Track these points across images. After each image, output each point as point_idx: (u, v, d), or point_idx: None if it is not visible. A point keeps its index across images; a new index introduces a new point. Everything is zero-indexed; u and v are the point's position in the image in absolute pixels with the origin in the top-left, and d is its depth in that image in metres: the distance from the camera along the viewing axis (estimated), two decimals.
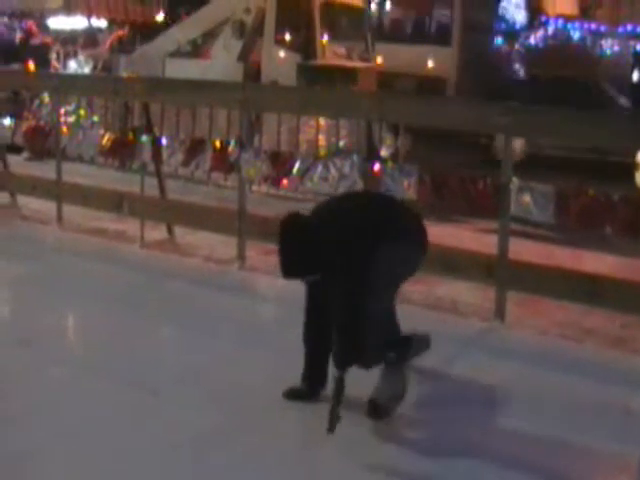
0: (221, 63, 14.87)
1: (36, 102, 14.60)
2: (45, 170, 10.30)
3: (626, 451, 4.82)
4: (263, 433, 4.92)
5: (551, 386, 5.66)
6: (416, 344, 5.48)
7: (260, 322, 6.99)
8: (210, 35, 17.05)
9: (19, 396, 5.37)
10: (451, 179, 7.39)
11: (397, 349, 5.17)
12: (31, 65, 17.26)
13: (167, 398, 5.32)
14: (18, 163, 11.64)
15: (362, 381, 5.00)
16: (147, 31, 22.44)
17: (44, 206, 9.91)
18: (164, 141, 9.17)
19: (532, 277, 6.89)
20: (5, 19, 23.57)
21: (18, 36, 22.47)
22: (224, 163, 8.73)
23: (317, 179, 8.09)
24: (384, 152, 10.62)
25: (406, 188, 7.33)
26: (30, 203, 10.21)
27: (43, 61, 19.75)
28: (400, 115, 7.97)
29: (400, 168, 7.57)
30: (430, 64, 16.04)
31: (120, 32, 24.22)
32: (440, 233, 8.42)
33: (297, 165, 8.22)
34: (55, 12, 24.26)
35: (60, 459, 4.59)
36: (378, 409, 5.04)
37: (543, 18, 24.64)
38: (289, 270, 5.01)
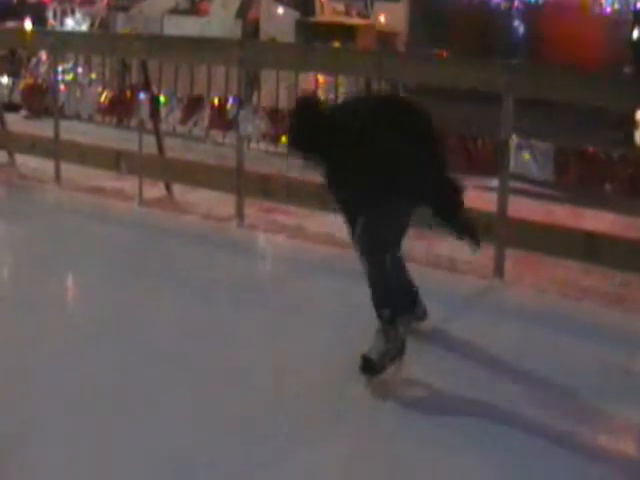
0: (219, 20, 14.73)
1: (33, 60, 14.52)
2: (43, 128, 10.26)
3: (627, 412, 4.83)
4: (257, 392, 4.93)
5: (550, 345, 5.66)
6: (412, 306, 5.52)
7: (258, 280, 6.98)
8: None
9: (18, 361, 5.32)
10: (450, 137, 7.35)
11: (393, 306, 5.16)
12: (28, 23, 17.14)
13: (166, 359, 5.32)
14: (16, 121, 11.59)
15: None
16: None
17: (42, 165, 9.88)
18: (162, 99, 9.13)
19: (531, 235, 6.88)
20: None
21: None
22: (222, 121, 8.69)
23: None
24: None
25: None
26: (28, 162, 10.17)
27: (40, 19, 19.61)
28: (399, 74, 7.95)
29: None
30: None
31: None
32: None
33: None
34: None
35: (63, 427, 4.55)
36: (371, 364, 5.02)
37: None
38: (294, 141, 5.08)
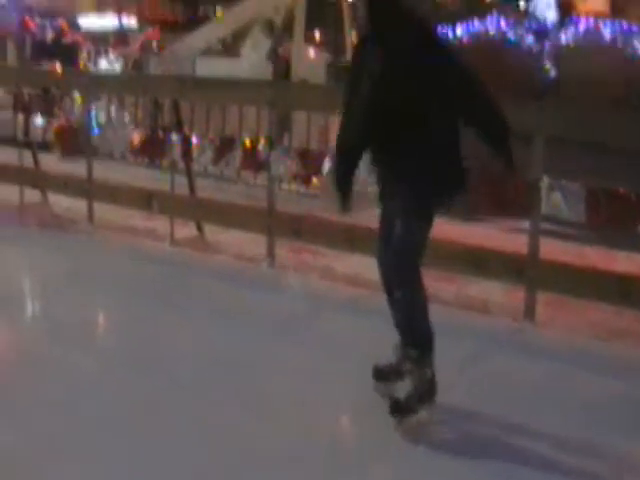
0: (251, 61, 14.88)
1: (67, 100, 14.68)
2: (76, 168, 10.34)
3: None
4: (284, 429, 4.93)
5: (581, 387, 5.62)
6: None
7: (287, 317, 6.97)
8: (240, 34, 17.08)
9: (52, 386, 5.40)
10: (480, 178, 7.35)
11: (421, 345, 5.13)
12: (60, 64, 17.36)
13: (195, 392, 5.33)
14: (49, 161, 11.70)
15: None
16: (177, 30, 22.50)
17: (75, 204, 9.95)
18: (194, 139, 9.20)
19: (562, 277, 6.84)
20: (37, 18, 23.72)
21: (50, 35, 22.61)
22: (254, 161, 8.75)
23: None
24: None
25: None
26: (61, 201, 10.25)
27: (74, 60, 19.86)
28: None
29: None
30: None
31: (150, 31, 24.31)
32: (469, 232, 8.42)
33: (326, 163, 8.22)
34: (86, 11, 24.41)
35: (84, 447, 4.62)
36: (399, 406, 4.98)
37: (573, 16, 24.50)
38: None
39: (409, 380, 5.07)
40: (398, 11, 4.91)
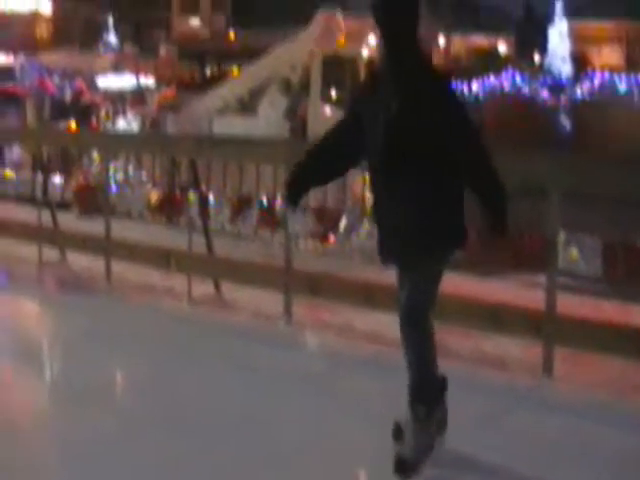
0: (267, 120, 15.00)
1: (85, 159, 14.82)
2: (94, 226, 10.42)
3: None
4: None
5: (600, 443, 5.58)
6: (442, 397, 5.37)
7: (305, 375, 6.96)
8: (257, 92, 17.24)
9: (72, 446, 5.43)
10: None
11: (429, 402, 5.12)
12: (75, 123, 17.55)
13: (215, 450, 5.33)
14: (67, 219, 11.78)
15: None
16: (194, 89, 22.73)
17: (93, 262, 10.01)
18: (211, 198, 9.26)
19: (580, 332, 6.82)
20: (56, 78, 23.99)
21: (69, 95, 22.87)
22: (271, 219, 8.79)
23: (364, 236, 8.11)
24: None
25: None
26: (80, 259, 10.31)
27: (92, 119, 20.06)
28: None
29: None
30: None
31: (167, 90, 24.57)
32: (486, 288, 8.42)
33: (344, 222, 8.24)
34: (104, 71, 24.69)
35: None
36: (405, 465, 4.94)
37: (589, 71, 24.65)
38: None
39: (415, 436, 5.05)
40: (419, 54, 4.95)
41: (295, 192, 5.25)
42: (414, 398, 5.06)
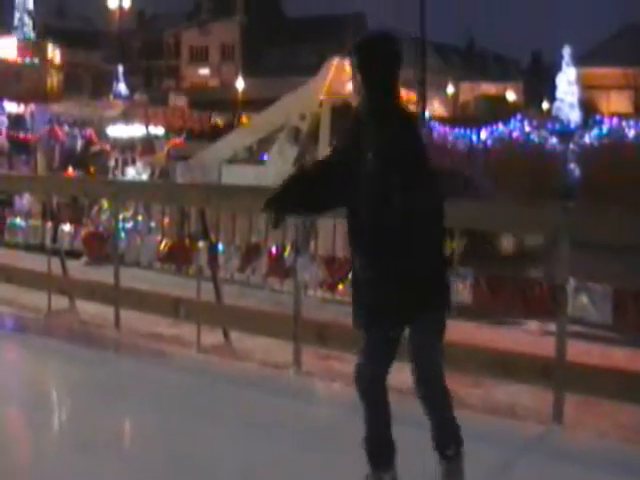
0: (277, 168, 15.05)
1: (95, 208, 14.87)
2: (103, 275, 10.43)
3: None
4: None
5: None
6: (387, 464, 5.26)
7: (317, 426, 6.93)
8: (266, 141, 17.31)
9: None
10: (506, 281, 7.37)
11: (455, 439, 5.12)
12: (88, 173, 17.63)
13: None
14: (77, 268, 11.80)
15: None
16: (203, 138, 22.85)
17: (102, 310, 10.02)
18: (220, 247, 9.27)
19: (591, 379, 6.80)
20: (66, 127, 24.15)
21: (79, 143, 23.01)
22: (280, 268, 8.78)
23: None
24: None
25: (461, 291, 7.31)
26: (89, 307, 10.32)
27: (102, 168, 20.17)
28: (454, 219, 7.96)
29: (455, 271, 7.56)
30: None
31: (177, 139, 24.70)
32: (496, 336, 8.40)
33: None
34: (114, 120, 24.84)
35: None
36: None
37: (597, 117, 24.71)
38: None
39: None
40: (397, 101, 4.98)
41: (279, 207, 5.14)
42: (447, 440, 5.13)
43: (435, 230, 4.94)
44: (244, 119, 32.29)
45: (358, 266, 4.98)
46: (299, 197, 5.13)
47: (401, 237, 4.74)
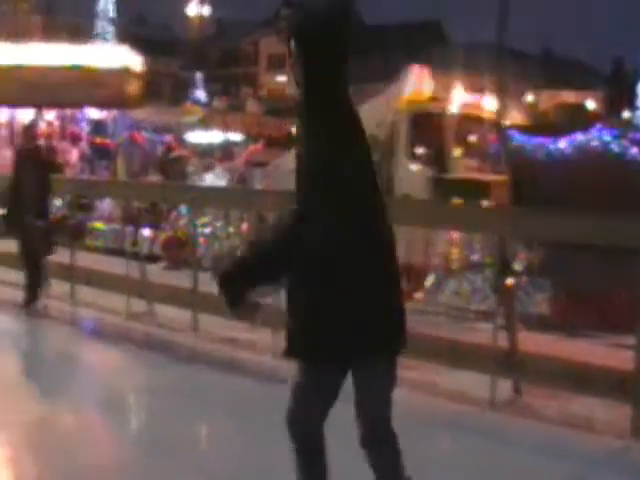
0: None
1: (174, 213, 15.01)
2: (181, 279, 10.54)
3: None
4: None
5: None
6: None
7: None
8: None
9: None
10: (585, 294, 7.30)
11: None
12: (167, 178, 17.80)
13: None
14: (155, 272, 11.94)
15: None
16: (281, 145, 22.92)
17: (180, 314, 10.12)
18: None
19: None
20: (147, 133, 24.42)
21: (159, 149, 23.27)
22: None
23: (449, 293, 8.07)
24: (517, 266, 10.55)
25: (539, 303, 7.26)
26: (167, 311, 10.43)
27: (180, 173, 20.32)
28: (534, 229, 7.92)
29: (533, 282, 7.51)
30: None
31: (255, 146, 24.83)
32: (573, 348, 8.31)
33: (431, 279, 8.21)
34: (193, 127, 25.06)
35: None
36: None
37: None
38: None
39: None
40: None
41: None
42: None
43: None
44: None
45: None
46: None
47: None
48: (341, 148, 3.98)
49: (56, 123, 25.61)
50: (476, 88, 16.13)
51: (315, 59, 3.98)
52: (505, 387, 7.10)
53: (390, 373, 4.24)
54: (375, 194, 4.12)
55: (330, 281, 3.98)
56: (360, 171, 4.04)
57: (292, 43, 4.01)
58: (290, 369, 8.36)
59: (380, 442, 4.32)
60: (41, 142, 12.82)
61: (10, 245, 11.97)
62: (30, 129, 12.61)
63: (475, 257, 10.68)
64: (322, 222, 3.89)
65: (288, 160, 17.47)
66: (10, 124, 27.86)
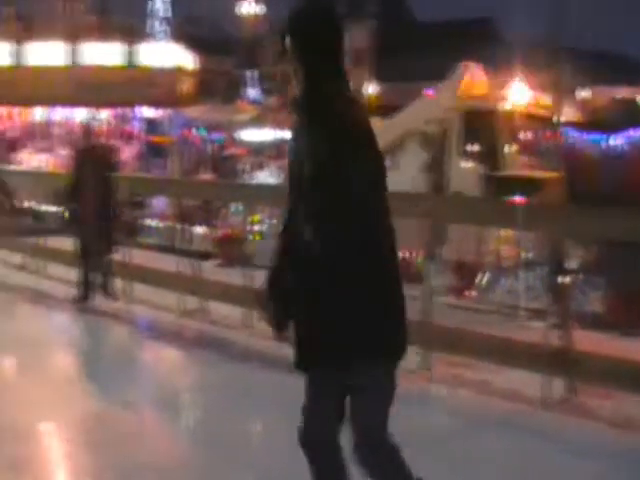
0: (406, 174, 15.02)
1: (226, 211, 15.08)
2: (234, 276, 10.57)
3: None
4: None
5: None
6: None
7: (442, 434, 6.83)
8: (393, 146, 17.28)
9: None
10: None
11: None
12: (220, 176, 17.86)
13: None
14: (208, 269, 11.99)
15: None
16: None
17: (233, 312, 10.15)
18: None
19: None
20: (200, 131, 24.56)
21: (211, 147, 23.39)
22: (407, 273, 8.75)
23: (502, 291, 8.02)
24: (571, 264, 10.46)
25: (593, 301, 7.20)
26: (220, 308, 10.47)
27: (233, 171, 20.43)
28: (589, 228, 7.83)
29: (588, 280, 7.44)
30: None
31: None
32: (628, 347, 8.23)
33: (482, 276, 8.17)
34: (246, 125, 25.17)
35: None
36: None
37: None
38: None
39: None
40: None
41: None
42: None
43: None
44: (373, 124, 32.16)
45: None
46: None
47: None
48: (342, 148, 3.87)
49: (112, 122, 25.86)
50: (530, 85, 16.03)
51: (314, 53, 3.92)
52: (558, 386, 7.04)
53: (388, 378, 4.08)
54: (376, 194, 3.99)
55: (331, 282, 3.87)
56: (361, 171, 3.89)
57: (287, 40, 3.97)
58: None
59: (374, 451, 4.09)
60: (100, 141, 12.90)
61: (67, 243, 12.10)
62: (89, 128, 12.75)
63: (528, 255, 10.60)
64: (322, 222, 3.85)
65: None
66: (65, 123, 28.19)
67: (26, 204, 18.74)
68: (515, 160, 14.99)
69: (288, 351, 8.59)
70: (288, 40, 3.97)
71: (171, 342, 9.80)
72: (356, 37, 76.21)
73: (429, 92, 16.96)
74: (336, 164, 3.81)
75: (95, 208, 11.18)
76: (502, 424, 6.90)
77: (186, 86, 28.04)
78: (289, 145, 4.20)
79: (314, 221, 3.88)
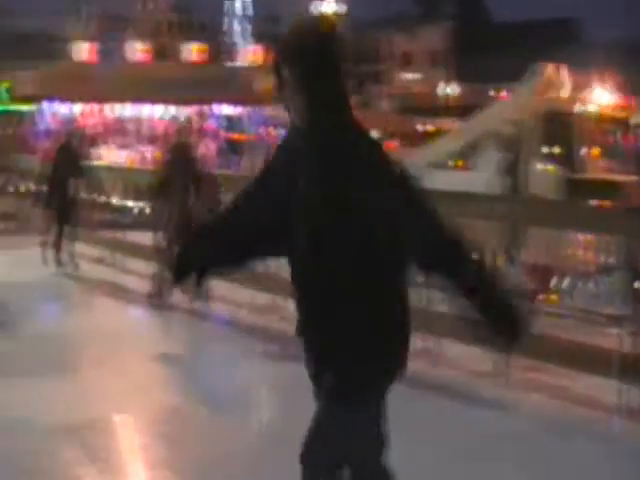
0: (482, 175, 14.94)
1: None
2: None
3: None
4: None
5: None
6: None
7: (515, 438, 6.75)
8: (471, 147, 17.21)
9: None
10: None
11: None
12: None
13: None
14: (278, 266, 12.00)
15: None
16: (415, 143, 22.92)
17: None
18: None
19: None
20: (279, 129, 24.68)
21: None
22: None
23: (579, 296, 7.92)
24: None
25: None
26: (291, 305, 10.44)
27: None
28: None
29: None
30: None
31: (389, 143, 24.83)
32: None
33: (560, 281, 8.09)
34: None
35: None
36: None
37: None
38: None
39: None
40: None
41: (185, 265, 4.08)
42: None
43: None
44: (450, 125, 32.15)
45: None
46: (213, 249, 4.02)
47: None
48: (359, 181, 3.61)
49: (195, 119, 26.14)
50: (610, 87, 15.85)
51: (319, 79, 3.61)
52: (636, 394, 6.94)
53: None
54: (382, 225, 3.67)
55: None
56: (374, 202, 3.62)
57: (286, 71, 3.63)
58: (420, 370, 8.33)
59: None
60: (192, 139, 12.97)
61: (146, 238, 12.22)
62: (185, 127, 12.85)
63: (606, 259, 10.45)
64: (337, 251, 3.65)
65: (422, 157, 17.45)
66: (147, 121, 28.53)
67: (113, 200, 18.92)
68: (594, 163, 14.82)
69: None
70: (286, 69, 3.64)
71: (242, 338, 9.84)
72: (432, 38, 76.06)
73: (506, 94, 16.89)
74: (353, 195, 3.59)
75: (185, 206, 11.24)
76: (578, 430, 6.82)
77: (265, 84, 28.20)
78: (278, 156, 3.86)
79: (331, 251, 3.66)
